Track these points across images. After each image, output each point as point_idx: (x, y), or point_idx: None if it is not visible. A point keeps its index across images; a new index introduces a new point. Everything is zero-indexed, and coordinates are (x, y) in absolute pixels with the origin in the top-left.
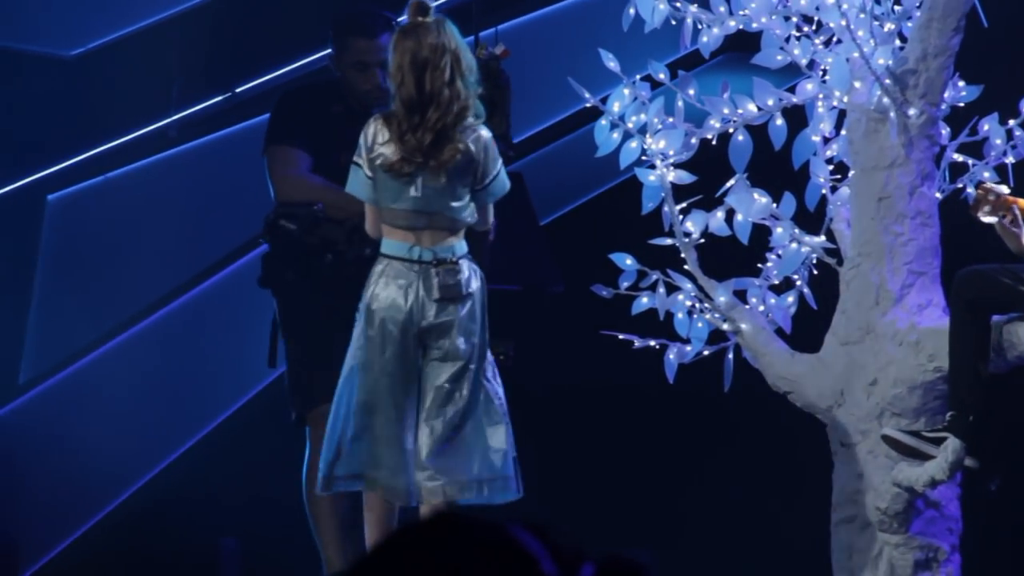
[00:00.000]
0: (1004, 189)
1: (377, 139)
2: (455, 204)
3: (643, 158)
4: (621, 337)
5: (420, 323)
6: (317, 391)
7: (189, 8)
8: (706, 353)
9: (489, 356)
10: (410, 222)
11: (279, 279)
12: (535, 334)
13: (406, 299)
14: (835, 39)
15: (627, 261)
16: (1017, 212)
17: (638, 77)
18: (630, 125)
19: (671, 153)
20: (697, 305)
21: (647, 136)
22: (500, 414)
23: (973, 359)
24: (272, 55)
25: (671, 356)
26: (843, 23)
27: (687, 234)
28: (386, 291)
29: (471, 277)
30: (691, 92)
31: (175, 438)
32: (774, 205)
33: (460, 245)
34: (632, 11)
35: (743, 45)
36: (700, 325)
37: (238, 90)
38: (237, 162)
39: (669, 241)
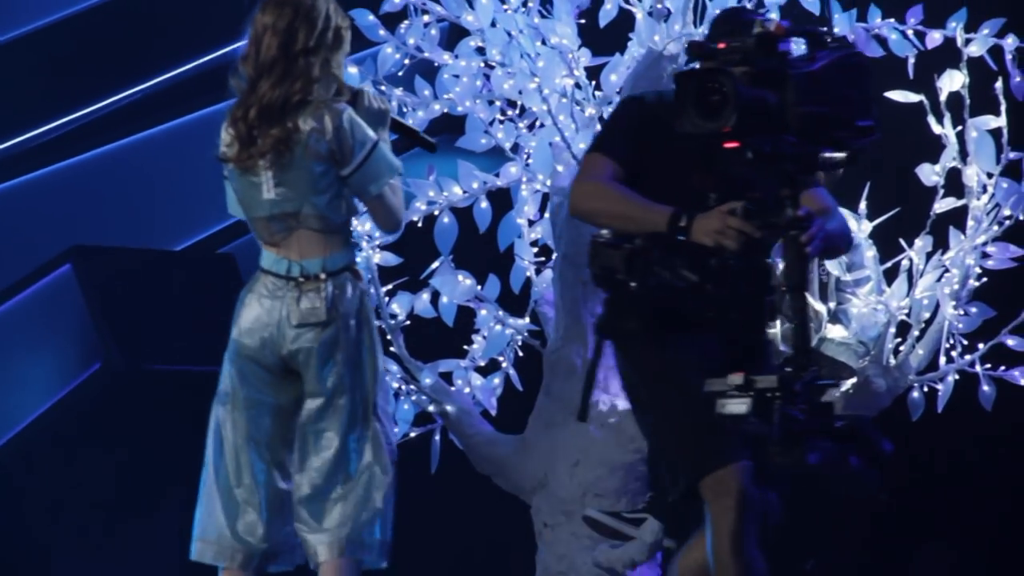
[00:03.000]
0: None
1: (223, 135)
2: (316, 199)
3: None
4: None
5: (279, 351)
6: (710, 453)
7: None
8: (413, 435)
9: (382, 390)
10: (273, 230)
11: (618, 328)
12: None
13: (269, 322)
14: (538, 123)
15: None
16: None
17: None
18: None
19: (377, 235)
20: (403, 387)
21: (353, 218)
22: (388, 462)
23: None
24: None
25: None
26: (544, 108)
27: (393, 316)
28: (250, 312)
29: (340, 296)
30: None
31: None
32: (479, 287)
33: (336, 257)
34: None
35: (448, 128)
36: (406, 407)
37: None
38: None
39: (375, 323)
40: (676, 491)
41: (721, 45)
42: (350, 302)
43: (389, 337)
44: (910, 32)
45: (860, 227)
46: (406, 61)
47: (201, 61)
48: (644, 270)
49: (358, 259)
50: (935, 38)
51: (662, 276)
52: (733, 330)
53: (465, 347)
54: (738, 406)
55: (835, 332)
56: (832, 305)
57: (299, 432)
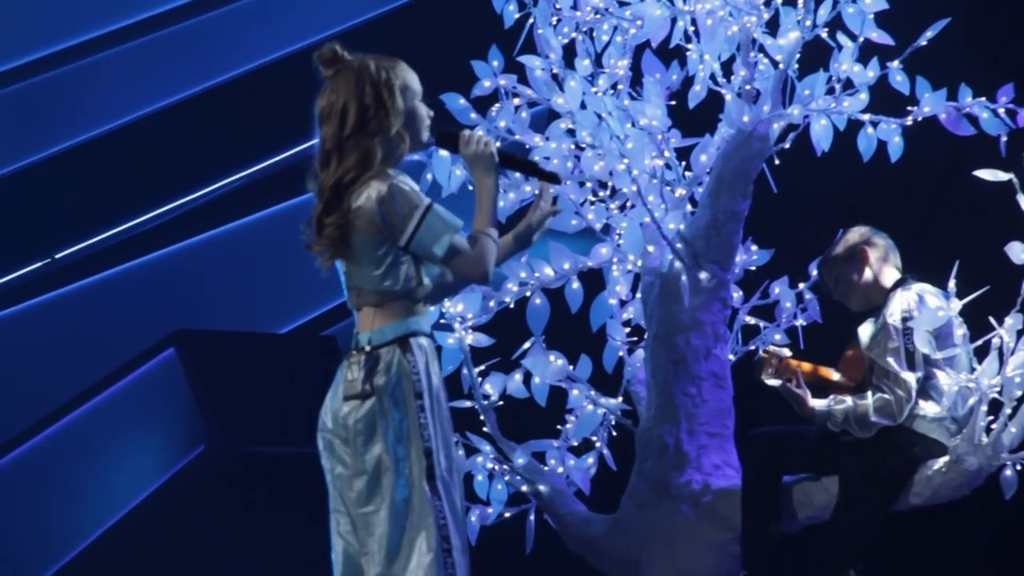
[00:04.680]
0: (787, 352)
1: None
2: (372, 273)
3: (441, 321)
4: None
5: (343, 424)
6: None
7: (4, 175)
8: (507, 515)
9: (440, 464)
10: (351, 304)
11: None
12: None
13: (333, 395)
14: (629, 204)
15: None
16: (800, 375)
17: None
18: None
19: (469, 316)
20: (496, 467)
21: (446, 300)
22: (435, 541)
23: (764, 520)
24: (93, 221)
25: (472, 518)
26: (634, 188)
27: (486, 396)
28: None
29: (377, 369)
30: None
31: None
32: (571, 367)
33: (384, 329)
34: (430, 176)
35: None
36: (500, 487)
37: (58, 256)
38: (57, 329)
39: (468, 403)
40: None
41: None
42: (390, 375)
43: (482, 417)
44: (1001, 111)
45: (949, 305)
46: (497, 143)
47: (307, 145)
48: None
49: (450, 340)
50: None
51: None
52: None
53: (558, 427)
54: None
55: (928, 409)
56: (920, 375)
57: (355, 517)
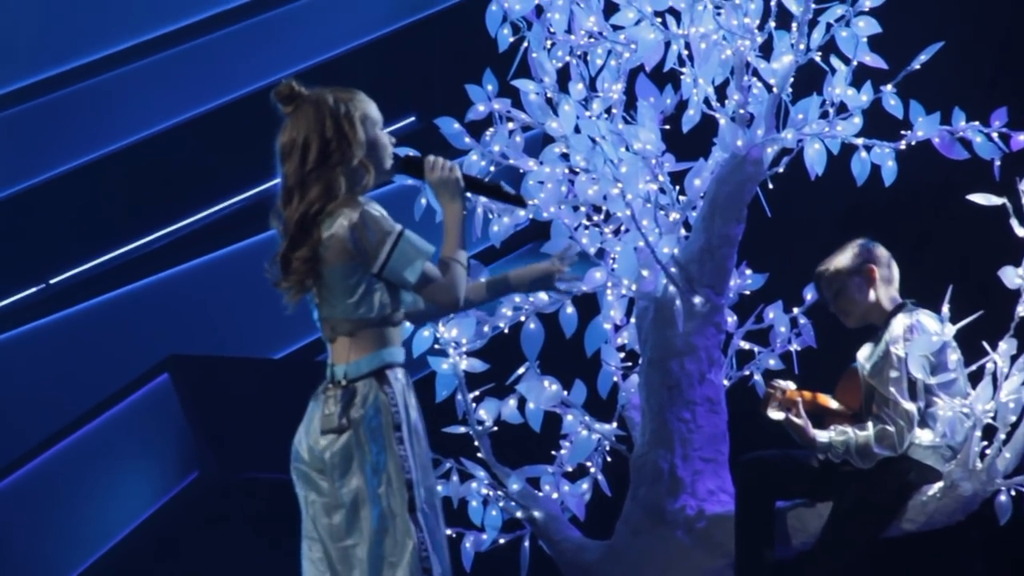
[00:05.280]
0: (791, 385)
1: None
2: (350, 301)
3: (436, 346)
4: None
5: (319, 456)
6: None
7: None
8: (502, 541)
9: (421, 500)
10: (324, 334)
11: None
12: None
13: (307, 427)
14: (623, 228)
15: None
16: (800, 405)
17: None
18: None
19: (464, 341)
20: (491, 493)
21: (440, 325)
22: (417, 573)
23: (758, 546)
24: (88, 246)
25: (467, 545)
26: (628, 213)
27: (480, 422)
28: (306, 417)
29: (354, 403)
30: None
31: None
32: (565, 392)
33: (360, 363)
34: (424, 201)
35: (534, 234)
36: (494, 513)
37: (52, 281)
38: (50, 354)
39: (462, 429)
40: None
41: None
42: (366, 408)
43: (477, 443)
44: (994, 134)
45: (944, 330)
46: (491, 168)
47: None
48: None
49: (444, 365)
50: (1020, 140)
51: None
52: None
53: (553, 453)
54: None
55: (923, 436)
56: (921, 404)
57: (332, 551)
